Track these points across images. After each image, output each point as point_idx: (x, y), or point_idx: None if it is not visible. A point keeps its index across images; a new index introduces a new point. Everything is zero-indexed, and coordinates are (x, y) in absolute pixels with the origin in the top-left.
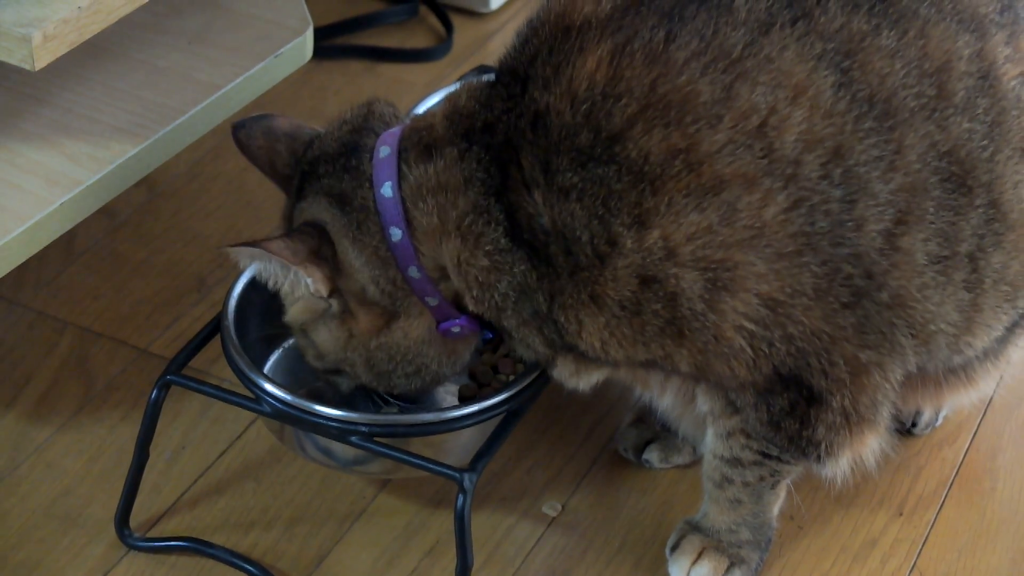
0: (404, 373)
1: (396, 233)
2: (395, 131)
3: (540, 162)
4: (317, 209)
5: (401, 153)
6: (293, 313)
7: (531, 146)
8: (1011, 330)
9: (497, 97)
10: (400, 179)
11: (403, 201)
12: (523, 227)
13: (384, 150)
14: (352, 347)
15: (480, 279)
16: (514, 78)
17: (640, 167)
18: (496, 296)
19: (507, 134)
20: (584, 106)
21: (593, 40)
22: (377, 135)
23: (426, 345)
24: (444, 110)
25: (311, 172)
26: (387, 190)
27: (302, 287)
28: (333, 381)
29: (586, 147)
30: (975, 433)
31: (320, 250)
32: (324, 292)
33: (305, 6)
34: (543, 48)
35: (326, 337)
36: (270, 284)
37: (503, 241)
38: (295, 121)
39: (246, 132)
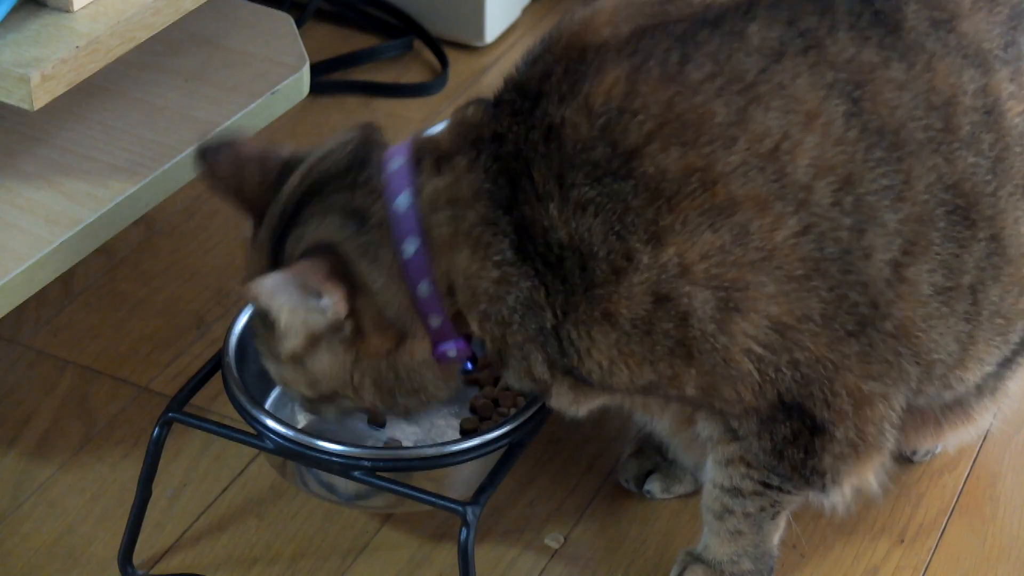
0: (405, 392)
1: (410, 247)
2: (403, 145)
3: (554, 175)
4: (326, 230)
5: (413, 164)
6: (289, 346)
7: (544, 159)
8: (1004, 366)
9: (505, 112)
10: (414, 190)
11: (418, 214)
12: (536, 241)
13: (396, 161)
14: (359, 368)
15: (489, 292)
16: (523, 95)
17: (657, 184)
18: (504, 310)
19: (517, 145)
20: (601, 120)
21: (611, 60)
22: (383, 150)
23: (426, 367)
24: (452, 122)
25: (314, 192)
26: (403, 200)
27: (316, 315)
28: (319, 409)
29: (602, 161)
30: (975, 460)
31: (337, 270)
32: (343, 313)
33: (301, 43)
34: (558, 66)
35: (330, 362)
36: (276, 315)
37: (510, 254)
38: (260, 146)
39: (212, 155)
